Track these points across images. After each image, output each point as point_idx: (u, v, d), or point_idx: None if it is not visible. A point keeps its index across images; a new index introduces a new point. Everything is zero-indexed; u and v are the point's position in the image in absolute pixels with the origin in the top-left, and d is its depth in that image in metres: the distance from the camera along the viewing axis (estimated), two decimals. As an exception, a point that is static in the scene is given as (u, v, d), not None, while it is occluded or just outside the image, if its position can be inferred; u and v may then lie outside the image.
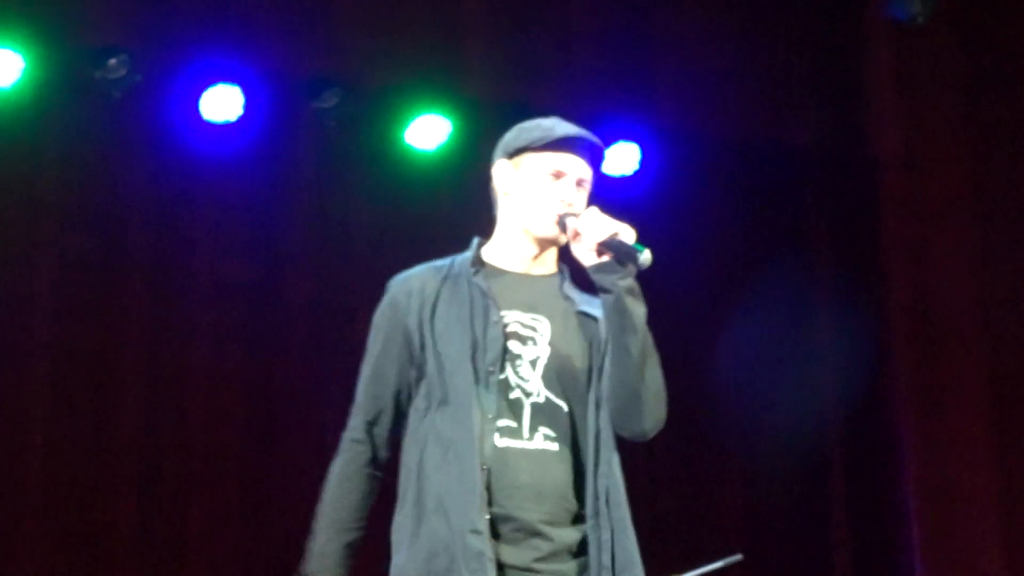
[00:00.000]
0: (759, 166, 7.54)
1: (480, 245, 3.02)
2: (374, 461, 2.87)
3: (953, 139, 7.25)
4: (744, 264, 7.58)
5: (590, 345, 2.94)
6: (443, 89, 6.60)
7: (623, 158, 7.07)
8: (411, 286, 2.94)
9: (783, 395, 7.54)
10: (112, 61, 5.92)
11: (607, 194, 7.17)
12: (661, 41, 7.42)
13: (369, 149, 6.77)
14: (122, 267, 6.63)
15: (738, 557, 5.20)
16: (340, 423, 2.97)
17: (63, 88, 6.10)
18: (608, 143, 6.90)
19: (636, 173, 7.15)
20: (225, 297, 6.73)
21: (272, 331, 6.82)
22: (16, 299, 6.34)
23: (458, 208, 6.49)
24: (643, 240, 7.02)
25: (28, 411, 6.23)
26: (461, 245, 3.09)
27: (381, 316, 2.95)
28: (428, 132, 6.63)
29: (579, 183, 2.92)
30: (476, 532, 2.70)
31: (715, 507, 7.13)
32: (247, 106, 6.31)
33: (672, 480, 7.09)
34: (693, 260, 7.30)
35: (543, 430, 2.86)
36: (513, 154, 2.92)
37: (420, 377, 2.85)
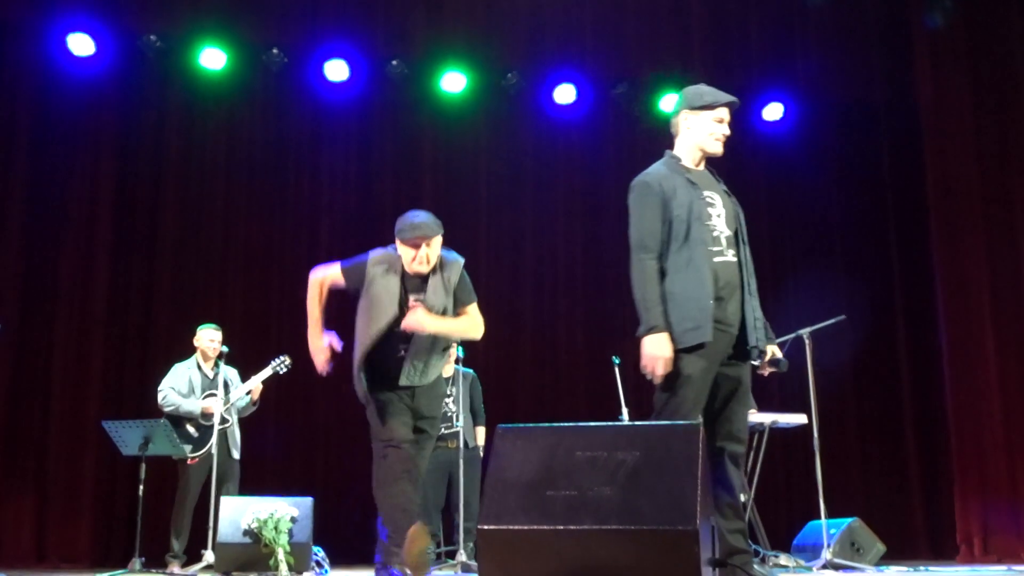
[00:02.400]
0: (853, 113, 9.90)
1: (674, 155, 3.98)
2: (659, 264, 3.85)
3: (962, 94, 9.15)
4: (843, 177, 9.94)
5: (735, 206, 3.99)
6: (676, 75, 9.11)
7: (774, 111, 9.69)
8: (656, 176, 3.93)
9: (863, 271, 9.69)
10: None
11: (765, 129, 9.97)
12: (798, 34, 9.60)
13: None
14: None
15: (843, 317, 6.74)
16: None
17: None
18: (765, 103, 9.64)
19: (781, 119, 9.75)
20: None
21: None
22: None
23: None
24: (788, 162, 9.04)
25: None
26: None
27: (647, 191, 3.88)
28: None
29: (728, 122, 4.03)
30: (712, 301, 3.79)
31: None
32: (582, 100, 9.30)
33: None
34: (819, 167, 9.82)
35: (729, 251, 3.90)
36: (695, 108, 4.01)
37: (670, 225, 3.84)
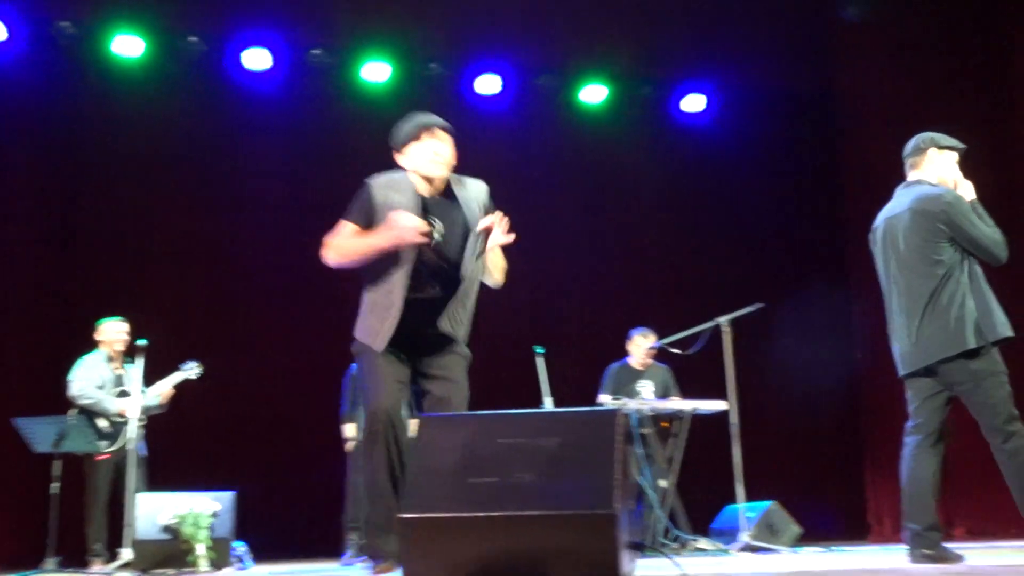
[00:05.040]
0: (774, 104, 10.10)
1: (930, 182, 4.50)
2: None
3: (879, 85, 9.36)
4: (763, 167, 10.08)
5: None
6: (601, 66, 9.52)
7: (695, 102, 9.94)
8: None
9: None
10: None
11: (688, 121, 9.84)
12: (720, 25, 9.53)
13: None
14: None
15: (760, 304, 6.89)
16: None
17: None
18: (685, 93, 9.86)
19: (704, 111, 10.00)
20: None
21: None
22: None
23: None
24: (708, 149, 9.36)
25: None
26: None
27: (967, 202, 4.43)
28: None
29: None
30: None
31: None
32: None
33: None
34: (738, 158, 10.00)
35: None
36: (943, 148, 4.60)
37: None
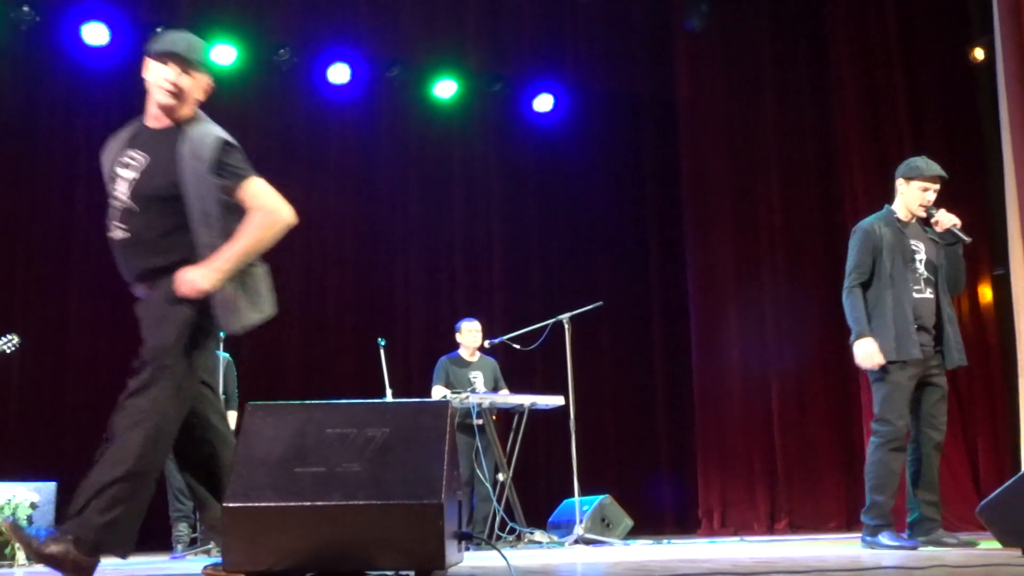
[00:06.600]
0: (619, 107, 10.35)
1: (892, 209, 5.03)
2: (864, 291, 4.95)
3: (715, 94, 9.77)
4: (607, 168, 10.30)
5: (939, 254, 5.04)
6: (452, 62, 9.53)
7: (544, 102, 10.03)
8: (872, 224, 4.98)
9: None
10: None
11: (536, 120, 9.95)
12: (568, 28, 9.93)
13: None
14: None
15: (600, 303, 7.13)
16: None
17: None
18: (535, 93, 9.93)
19: (551, 111, 10.10)
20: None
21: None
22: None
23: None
24: (557, 152, 9.82)
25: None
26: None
27: (863, 235, 4.96)
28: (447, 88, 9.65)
29: (935, 191, 5.05)
30: (914, 327, 4.86)
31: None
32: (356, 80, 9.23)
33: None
34: (584, 158, 10.13)
35: (927, 289, 5.02)
36: (908, 179, 5.02)
37: (874, 263, 4.90)
